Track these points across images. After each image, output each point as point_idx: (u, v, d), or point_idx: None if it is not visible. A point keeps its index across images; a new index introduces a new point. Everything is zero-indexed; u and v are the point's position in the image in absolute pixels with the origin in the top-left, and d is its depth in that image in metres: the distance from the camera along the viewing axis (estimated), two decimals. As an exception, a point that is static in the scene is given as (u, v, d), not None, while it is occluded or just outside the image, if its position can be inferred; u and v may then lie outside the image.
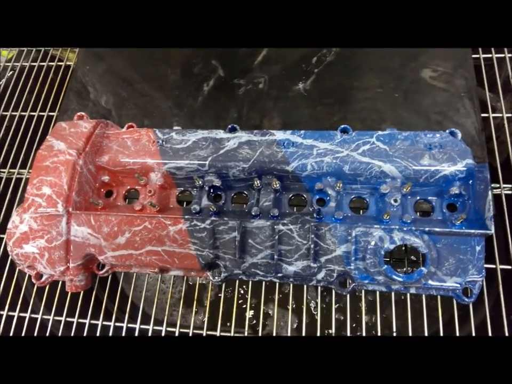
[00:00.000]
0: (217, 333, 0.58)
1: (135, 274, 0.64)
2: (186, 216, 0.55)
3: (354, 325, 0.88)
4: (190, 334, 0.59)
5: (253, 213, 0.56)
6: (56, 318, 0.66)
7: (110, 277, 0.64)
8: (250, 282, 0.59)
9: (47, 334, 0.67)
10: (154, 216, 0.56)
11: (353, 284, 0.54)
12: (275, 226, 0.54)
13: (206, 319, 0.60)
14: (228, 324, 0.60)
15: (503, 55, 0.71)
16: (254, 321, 0.65)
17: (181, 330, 0.60)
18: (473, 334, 0.54)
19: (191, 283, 0.99)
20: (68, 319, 0.66)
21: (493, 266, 0.56)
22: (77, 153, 0.59)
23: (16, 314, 0.67)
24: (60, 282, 0.65)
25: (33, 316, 0.67)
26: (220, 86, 0.72)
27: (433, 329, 0.60)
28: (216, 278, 0.57)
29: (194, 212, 0.57)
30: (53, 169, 0.59)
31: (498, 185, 0.60)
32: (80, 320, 0.66)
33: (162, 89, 0.74)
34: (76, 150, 0.60)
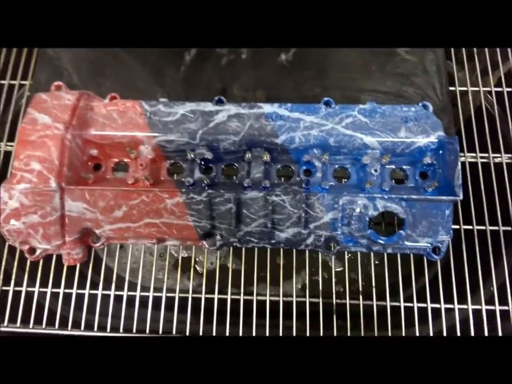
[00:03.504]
0: (215, 296, 0.63)
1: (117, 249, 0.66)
2: (183, 190, 0.57)
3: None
4: (190, 297, 0.64)
5: (245, 185, 0.59)
6: (42, 289, 0.67)
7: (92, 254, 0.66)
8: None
9: (34, 305, 0.67)
10: (151, 190, 0.57)
11: (338, 247, 0.60)
12: (268, 197, 0.57)
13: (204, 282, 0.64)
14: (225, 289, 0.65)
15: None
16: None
17: (181, 295, 0.64)
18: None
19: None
20: (53, 290, 0.67)
21: (457, 226, 0.64)
22: (64, 127, 0.59)
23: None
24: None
25: (17, 288, 0.68)
26: (202, 55, 0.72)
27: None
28: (212, 246, 0.60)
29: (188, 184, 0.59)
30: (40, 144, 0.58)
31: (462, 154, 0.67)
32: (67, 291, 0.67)
33: (141, 57, 0.72)
34: (63, 124, 0.59)
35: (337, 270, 0.99)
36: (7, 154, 0.70)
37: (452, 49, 0.75)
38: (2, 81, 0.73)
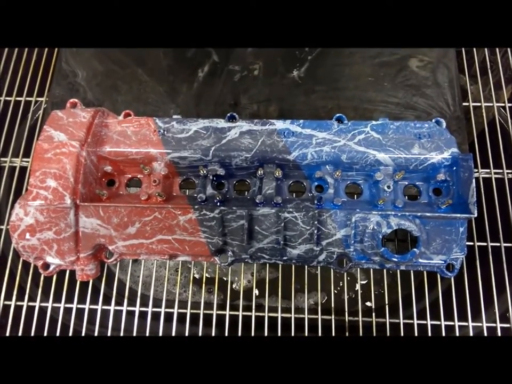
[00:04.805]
0: (227, 312, 0.63)
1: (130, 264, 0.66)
2: (196, 206, 0.58)
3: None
4: (201, 313, 0.64)
5: (257, 201, 0.59)
6: (55, 304, 0.67)
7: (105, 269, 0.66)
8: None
9: (47, 320, 0.68)
10: (164, 207, 0.58)
11: (350, 264, 0.60)
12: (280, 214, 0.57)
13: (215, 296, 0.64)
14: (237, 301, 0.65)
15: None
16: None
17: (192, 311, 0.64)
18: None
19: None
20: (66, 305, 0.67)
21: (471, 243, 0.63)
22: (80, 145, 0.59)
23: (13, 303, 0.67)
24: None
25: (31, 304, 0.68)
26: (215, 71, 0.73)
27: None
28: (224, 262, 0.60)
29: (200, 200, 0.60)
30: (56, 161, 0.59)
31: (476, 170, 0.67)
32: (80, 306, 0.68)
33: (156, 74, 0.73)
34: (79, 142, 0.59)
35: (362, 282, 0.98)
36: (23, 170, 0.71)
37: (465, 63, 0.75)
38: (19, 98, 0.74)
